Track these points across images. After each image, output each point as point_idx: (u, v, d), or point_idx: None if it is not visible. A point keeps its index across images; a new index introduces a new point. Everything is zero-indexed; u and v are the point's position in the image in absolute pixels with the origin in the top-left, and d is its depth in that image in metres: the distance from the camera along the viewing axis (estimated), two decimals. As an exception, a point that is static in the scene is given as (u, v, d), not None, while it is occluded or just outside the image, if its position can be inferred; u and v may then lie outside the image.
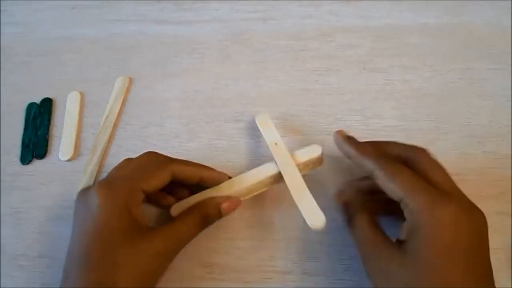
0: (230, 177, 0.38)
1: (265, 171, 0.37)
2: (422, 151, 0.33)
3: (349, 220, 0.35)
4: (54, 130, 0.45)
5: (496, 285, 0.35)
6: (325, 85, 0.45)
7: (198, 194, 0.37)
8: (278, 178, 0.38)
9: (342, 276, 0.36)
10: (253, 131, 0.43)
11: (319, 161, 0.39)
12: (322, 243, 0.38)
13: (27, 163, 0.44)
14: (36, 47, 0.50)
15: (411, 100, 0.44)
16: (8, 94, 0.48)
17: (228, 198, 0.36)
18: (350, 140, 0.36)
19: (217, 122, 0.44)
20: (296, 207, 0.39)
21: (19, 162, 0.44)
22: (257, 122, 0.41)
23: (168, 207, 0.37)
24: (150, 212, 0.38)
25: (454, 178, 0.40)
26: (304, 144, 0.42)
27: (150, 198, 0.36)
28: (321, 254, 0.37)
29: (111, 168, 0.37)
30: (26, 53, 0.50)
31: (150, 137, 0.44)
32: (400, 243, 0.30)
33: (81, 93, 0.47)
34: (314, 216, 0.34)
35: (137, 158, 0.37)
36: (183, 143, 0.43)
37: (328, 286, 0.36)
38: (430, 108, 0.43)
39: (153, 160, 0.36)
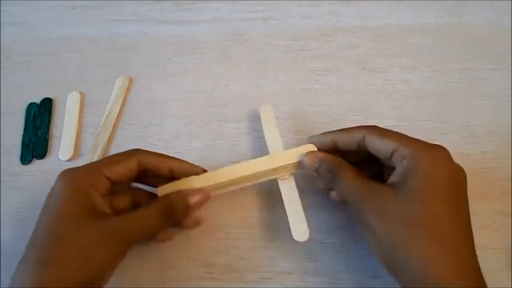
0: (205, 171, 0.37)
1: (264, 164, 0.37)
2: (379, 128, 0.34)
3: (333, 178, 0.34)
4: (54, 130, 0.45)
5: (496, 285, 0.35)
6: (325, 85, 0.45)
7: (188, 178, 0.36)
8: (272, 172, 0.38)
9: (342, 276, 0.36)
10: (254, 131, 0.43)
11: None
12: (322, 243, 0.38)
13: (27, 163, 0.44)
14: (36, 47, 0.50)
15: (411, 100, 0.44)
16: (8, 94, 0.48)
17: (197, 191, 0.35)
18: (329, 132, 0.36)
19: (217, 122, 0.44)
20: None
21: (19, 162, 0.44)
22: (260, 112, 0.41)
23: (140, 203, 0.36)
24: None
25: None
26: (304, 144, 0.42)
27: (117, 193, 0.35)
28: (321, 254, 0.37)
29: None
30: (26, 53, 0.50)
31: (150, 137, 0.44)
32: (391, 186, 0.31)
33: (81, 93, 0.47)
34: (301, 229, 0.35)
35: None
36: (183, 143, 0.43)
37: (328, 286, 0.36)
38: (430, 108, 0.43)
39: (123, 151, 0.35)
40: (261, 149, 0.42)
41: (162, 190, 0.36)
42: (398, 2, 0.49)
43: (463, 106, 0.43)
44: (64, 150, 0.44)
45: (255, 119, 0.44)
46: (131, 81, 0.47)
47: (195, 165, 0.37)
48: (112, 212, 0.33)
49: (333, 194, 0.36)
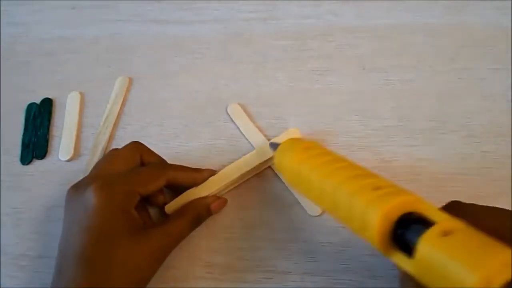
0: (215, 171, 0.40)
1: (253, 161, 0.39)
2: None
3: None
4: (54, 130, 0.45)
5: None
6: (325, 85, 0.45)
7: (188, 192, 0.38)
8: (265, 163, 0.40)
9: (342, 276, 0.36)
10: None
11: None
12: (322, 243, 0.38)
13: (27, 163, 0.44)
14: (36, 47, 0.50)
15: (411, 100, 0.44)
16: (8, 94, 0.48)
17: (216, 198, 0.38)
18: None
19: (217, 122, 0.44)
20: (296, 207, 0.39)
21: (19, 162, 0.44)
22: (228, 112, 0.43)
23: (159, 205, 0.38)
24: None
25: (454, 178, 0.40)
26: (304, 144, 0.42)
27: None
28: (321, 254, 0.37)
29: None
30: (26, 53, 0.50)
31: (150, 137, 0.44)
32: None
33: (81, 93, 0.47)
34: (312, 204, 0.38)
35: (127, 151, 0.38)
36: (183, 143, 0.43)
37: (328, 286, 0.36)
38: (430, 108, 0.43)
39: (150, 165, 0.38)
40: (261, 149, 0.42)
41: (169, 208, 0.38)
42: (398, 2, 0.49)
43: (463, 106, 0.43)
44: (64, 150, 0.44)
45: (255, 119, 0.44)
46: (131, 81, 0.47)
47: (210, 170, 0.39)
48: (140, 220, 0.35)
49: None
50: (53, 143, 0.45)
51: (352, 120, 0.43)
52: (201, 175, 0.39)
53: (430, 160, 0.40)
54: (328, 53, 0.47)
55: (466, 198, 0.39)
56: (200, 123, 0.44)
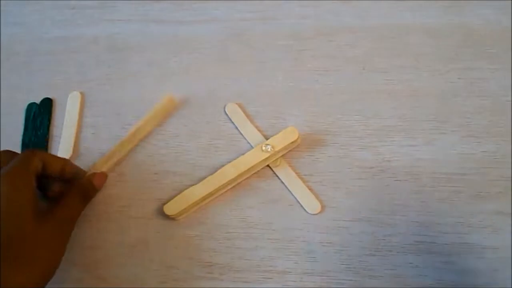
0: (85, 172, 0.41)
1: (252, 160, 0.40)
2: None
3: None
4: (54, 130, 0.45)
5: (496, 285, 0.35)
6: (325, 85, 0.45)
7: (189, 190, 0.39)
8: (263, 164, 0.41)
9: (342, 276, 0.36)
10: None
11: (296, 142, 0.41)
12: (322, 243, 0.38)
13: (27, 163, 0.44)
14: (36, 47, 0.50)
15: (411, 100, 0.44)
16: (8, 94, 0.48)
17: (96, 174, 0.41)
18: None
19: (216, 122, 0.44)
20: (296, 207, 0.39)
21: (19, 162, 0.44)
22: (226, 111, 0.43)
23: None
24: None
25: (454, 178, 0.40)
26: (304, 144, 0.42)
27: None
28: (321, 254, 0.37)
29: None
30: (26, 53, 0.50)
31: (150, 137, 0.44)
32: None
33: (81, 93, 0.47)
34: (311, 203, 0.39)
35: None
36: (183, 143, 0.43)
37: (328, 286, 0.36)
38: (430, 108, 0.43)
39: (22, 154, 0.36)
40: (261, 149, 0.42)
41: (168, 208, 0.38)
42: (398, 2, 0.49)
43: (463, 106, 0.43)
44: (63, 150, 0.44)
45: (254, 118, 0.44)
46: (130, 81, 0.47)
47: (81, 169, 0.41)
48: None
49: None
50: (53, 143, 0.45)
51: (352, 120, 0.43)
52: (70, 164, 0.39)
53: (430, 160, 0.40)
54: (328, 53, 0.47)
55: (466, 198, 0.39)
56: (200, 123, 0.44)
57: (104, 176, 0.42)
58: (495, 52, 0.45)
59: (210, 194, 0.39)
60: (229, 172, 0.39)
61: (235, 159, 0.40)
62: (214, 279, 0.37)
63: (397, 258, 0.37)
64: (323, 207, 0.39)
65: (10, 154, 0.37)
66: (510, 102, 0.43)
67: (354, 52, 0.47)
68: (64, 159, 0.39)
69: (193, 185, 0.39)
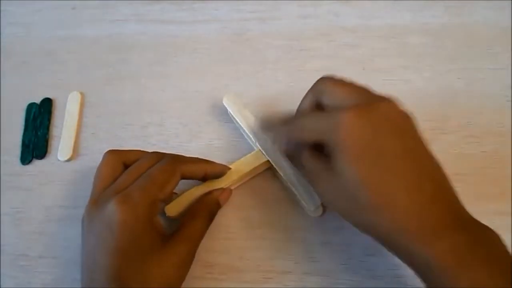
0: (230, 168, 0.39)
1: (253, 162, 0.39)
2: (323, 81, 0.34)
3: (297, 159, 0.34)
4: (54, 130, 0.45)
5: (496, 285, 0.35)
6: (325, 85, 0.45)
7: (190, 191, 0.38)
8: (264, 166, 0.40)
9: (342, 276, 0.36)
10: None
11: None
12: (322, 243, 0.38)
13: (27, 163, 0.44)
14: (36, 47, 0.50)
15: (411, 100, 0.44)
16: (8, 94, 0.48)
17: (222, 190, 0.38)
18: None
19: (217, 122, 0.44)
20: (296, 207, 0.39)
21: (19, 162, 0.44)
22: (224, 103, 0.42)
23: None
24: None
25: (454, 178, 0.40)
26: (304, 144, 0.42)
27: None
28: (321, 254, 0.37)
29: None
30: (26, 53, 0.50)
31: (150, 137, 0.44)
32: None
33: (81, 93, 0.47)
34: (312, 204, 0.37)
35: (105, 163, 0.36)
36: (183, 143, 0.43)
37: (328, 286, 0.36)
38: (430, 108, 0.43)
39: (159, 164, 0.35)
40: (261, 149, 0.42)
41: (169, 209, 0.37)
42: (398, 2, 0.49)
43: (463, 106, 0.43)
44: (63, 150, 0.44)
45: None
46: (130, 81, 0.47)
47: (223, 166, 0.39)
48: (162, 227, 0.35)
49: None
50: (53, 143, 0.45)
51: (352, 120, 0.43)
52: (211, 166, 0.38)
53: (430, 160, 0.40)
54: (328, 53, 0.47)
55: (466, 198, 0.39)
56: (200, 123, 0.44)
57: (230, 193, 0.40)
58: (495, 52, 0.45)
59: None
60: (230, 173, 0.39)
61: (235, 159, 0.40)
62: (214, 279, 0.37)
63: (397, 258, 0.37)
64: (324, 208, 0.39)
65: (157, 156, 0.36)
66: (510, 102, 0.43)
67: (354, 52, 0.47)
68: (204, 163, 0.38)
69: (194, 185, 0.39)
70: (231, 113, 0.42)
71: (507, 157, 0.40)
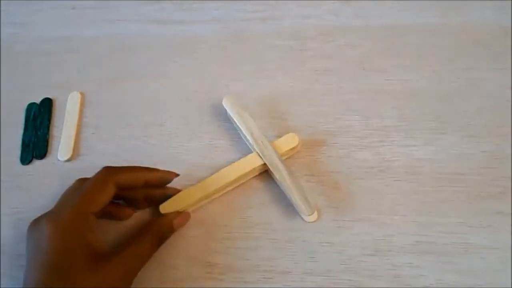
0: (177, 175, 0.38)
1: (250, 164, 0.39)
2: None
3: None
4: (54, 130, 0.45)
5: (496, 285, 0.35)
6: (325, 85, 0.45)
7: (185, 191, 0.38)
8: (261, 169, 0.40)
9: (342, 276, 0.36)
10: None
11: (296, 148, 0.41)
12: (322, 243, 0.38)
13: (27, 163, 0.44)
14: (36, 47, 0.50)
15: (411, 100, 0.44)
16: (8, 94, 0.48)
17: (178, 214, 0.38)
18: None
19: (217, 122, 0.44)
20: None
21: (19, 162, 0.44)
22: (224, 104, 0.42)
23: (125, 218, 0.39)
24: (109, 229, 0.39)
25: (454, 178, 0.40)
26: (304, 144, 0.42)
27: (104, 213, 0.36)
28: (321, 254, 0.37)
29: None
30: (26, 53, 0.50)
31: (150, 137, 0.44)
32: None
33: (81, 93, 0.47)
34: (305, 209, 0.37)
35: (94, 181, 0.36)
36: (183, 143, 0.43)
37: (328, 286, 0.36)
38: (430, 108, 0.43)
39: (95, 177, 0.35)
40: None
41: (164, 208, 0.38)
42: (398, 2, 0.49)
43: (463, 106, 0.43)
44: (63, 150, 0.44)
45: (254, 119, 0.44)
46: (130, 81, 0.47)
47: (167, 172, 0.38)
48: (101, 243, 0.34)
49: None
50: (53, 143, 0.45)
51: (352, 120, 0.43)
52: (151, 173, 0.37)
53: (430, 160, 0.40)
54: (328, 53, 0.47)
55: (466, 198, 0.39)
56: (200, 123, 0.44)
57: (187, 217, 0.38)
58: (495, 52, 0.45)
59: (207, 196, 0.39)
60: (227, 174, 0.39)
61: (235, 159, 0.40)
62: (214, 279, 0.37)
63: (397, 258, 0.37)
64: (319, 211, 0.39)
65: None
66: (510, 102, 0.43)
67: (354, 52, 0.47)
68: (145, 170, 0.37)
69: (191, 185, 0.39)
70: (230, 114, 0.42)
71: (507, 157, 0.40)
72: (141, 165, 0.38)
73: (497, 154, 0.40)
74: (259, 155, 0.39)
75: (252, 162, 0.39)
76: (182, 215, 0.38)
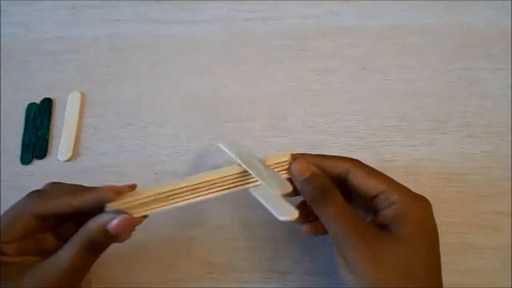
0: (131, 186, 0.32)
1: (224, 172, 0.32)
2: (357, 161, 0.33)
3: (323, 197, 0.30)
4: (54, 130, 0.45)
5: (496, 285, 0.35)
6: (325, 85, 0.45)
7: (138, 189, 0.32)
8: (237, 180, 0.33)
9: (342, 276, 0.36)
10: (253, 131, 0.43)
11: (287, 162, 0.33)
12: (322, 243, 0.38)
13: (27, 163, 0.44)
14: (36, 47, 0.50)
15: (411, 100, 0.44)
16: (8, 94, 0.48)
17: (115, 214, 0.30)
18: (312, 154, 0.33)
19: (217, 122, 0.44)
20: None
21: (19, 162, 0.44)
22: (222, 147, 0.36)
23: (53, 250, 0.31)
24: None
25: (454, 178, 0.40)
26: (304, 144, 0.42)
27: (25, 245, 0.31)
28: (321, 254, 0.37)
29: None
30: (26, 53, 0.50)
31: (150, 137, 0.44)
32: (381, 228, 0.30)
33: (81, 93, 0.47)
34: (284, 209, 0.29)
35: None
36: (183, 143, 0.43)
37: (328, 286, 0.36)
38: (430, 108, 0.43)
39: (14, 207, 0.32)
40: (261, 150, 0.42)
41: (112, 206, 0.31)
42: (398, 2, 0.49)
43: (463, 106, 0.43)
44: (63, 150, 0.44)
45: (254, 119, 0.44)
46: (130, 81, 0.47)
47: (99, 191, 0.31)
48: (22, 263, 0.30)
49: (307, 227, 0.33)
50: (53, 143, 0.45)
51: (352, 120, 0.43)
52: (77, 198, 0.31)
53: (430, 160, 0.40)
54: (328, 53, 0.47)
55: (466, 198, 0.39)
56: (200, 123, 0.44)
57: (127, 220, 0.30)
58: (495, 52, 0.45)
59: (162, 199, 0.32)
60: (191, 179, 0.32)
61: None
62: (214, 279, 0.37)
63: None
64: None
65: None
66: (510, 102, 0.43)
67: (354, 52, 0.47)
68: (69, 195, 0.31)
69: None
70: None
71: (507, 157, 0.40)
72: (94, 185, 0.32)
73: (497, 154, 0.40)
74: (238, 162, 0.33)
75: (227, 171, 0.33)
76: (122, 218, 0.29)
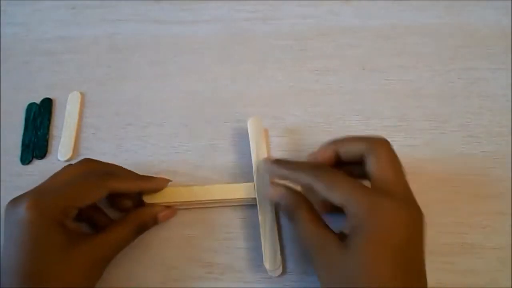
0: (169, 181, 0.38)
1: (244, 192, 0.39)
2: (380, 146, 0.33)
3: (290, 216, 0.34)
4: (54, 130, 0.45)
5: (496, 285, 0.35)
6: (325, 85, 0.45)
7: (173, 189, 0.38)
8: (250, 201, 0.39)
9: (342, 276, 0.36)
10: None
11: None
12: (322, 243, 0.38)
13: (27, 163, 0.44)
14: (36, 47, 0.50)
15: (411, 100, 0.44)
16: (8, 94, 0.48)
17: (165, 208, 0.38)
18: (280, 161, 0.37)
19: (217, 122, 0.44)
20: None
21: (19, 162, 0.44)
22: (248, 125, 0.41)
23: (99, 227, 0.37)
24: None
25: (454, 178, 0.40)
26: (304, 144, 0.42)
27: (82, 214, 0.35)
28: (321, 254, 0.37)
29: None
30: (26, 53, 0.50)
31: (150, 137, 0.44)
32: (343, 237, 0.31)
33: (81, 93, 0.47)
34: (274, 259, 0.35)
35: (75, 166, 0.37)
36: (183, 143, 0.43)
37: (328, 286, 0.36)
38: (430, 108, 0.43)
39: (89, 175, 0.35)
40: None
41: (148, 199, 0.38)
42: (398, 2, 0.49)
43: (463, 106, 0.43)
44: (63, 150, 0.44)
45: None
46: (130, 81, 0.47)
47: (161, 180, 0.38)
48: (79, 228, 0.35)
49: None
50: (53, 143, 0.45)
51: (352, 120, 0.43)
52: (147, 184, 0.38)
53: (430, 160, 0.40)
54: (328, 53, 0.47)
55: (466, 198, 0.39)
56: (200, 123, 0.44)
57: (173, 213, 0.39)
58: (495, 52, 0.45)
59: (190, 203, 0.39)
60: (217, 192, 0.39)
61: (235, 159, 0.40)
62: (214, 279, 0.37)
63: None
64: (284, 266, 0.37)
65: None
66: (510, 102, 0.43)
67: (354, 52, 0.47)
68: (140, 179, 0.38)
69: (189, 185, 0.39)
70: (250, 136, 0.41)
71: (507, 157, 0.40)
72: (134, 170, 0.38)
73: (497, 154, 0.40)
74: (254, 187, 0.38)
75: (246, 192, 0.38)
76: (169, 210, 0.38)
